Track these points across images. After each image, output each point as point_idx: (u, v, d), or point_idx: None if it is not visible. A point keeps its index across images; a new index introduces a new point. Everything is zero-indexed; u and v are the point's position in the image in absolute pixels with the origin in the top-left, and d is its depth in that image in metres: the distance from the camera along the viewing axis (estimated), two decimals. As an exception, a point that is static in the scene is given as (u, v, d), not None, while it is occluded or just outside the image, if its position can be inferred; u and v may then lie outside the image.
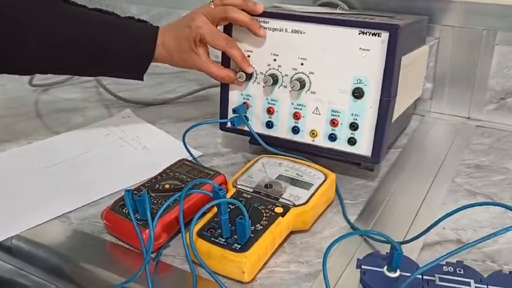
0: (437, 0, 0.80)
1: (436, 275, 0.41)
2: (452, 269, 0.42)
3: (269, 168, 0.59)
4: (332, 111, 0.61)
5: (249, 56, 0.65)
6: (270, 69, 0.64)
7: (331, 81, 0.60)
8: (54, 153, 0.71)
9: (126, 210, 0.51)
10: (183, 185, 0.55)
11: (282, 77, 0.63)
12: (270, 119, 0.65)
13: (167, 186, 0.55)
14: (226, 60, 0.66)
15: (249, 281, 0.46)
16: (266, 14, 0.63)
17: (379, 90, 0.57)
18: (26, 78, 0.99)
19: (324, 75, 0.61)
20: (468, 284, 0.41)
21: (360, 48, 0.58)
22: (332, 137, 0.61)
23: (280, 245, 0.51)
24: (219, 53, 0.66)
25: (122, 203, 0.52)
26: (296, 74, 0.62)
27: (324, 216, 0.56)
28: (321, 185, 0.55)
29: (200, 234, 0.48)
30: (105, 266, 0.49)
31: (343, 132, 0.61)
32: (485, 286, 0.41)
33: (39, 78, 1.00)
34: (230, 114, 0.68)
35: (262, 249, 0.47)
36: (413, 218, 0.56)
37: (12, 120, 0.84)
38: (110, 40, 0.67)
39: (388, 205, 0.59)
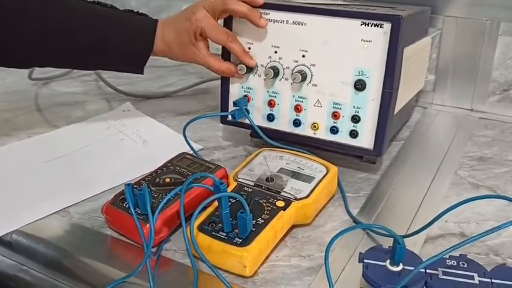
0: (440, -10, 0.80)
1: (439, 268, 0.41)
2: (455, 262, 0.42)
3: (270, 161, 0.58)
4: (334, 103, 0.60)
5: (249, 49, 0.64)
6: (270, 61, 0.63)
7: (333, 73, 0.59)
8: (54, 147, 0.71)
9: (126, 204, 0.50)
10: (184, 179, 0.55)
11: (283, 69, 0.62)
12: (271, 112, 0.65)
13: (168, 180, 0.55)
14: (226, 54, 0.66)
15: (251, 276, 0.46)
16: (267, 6, 0.62)
17: (381, 82, 0.57)
18: (26, 72, 0.98)
19: (325, 67, 0.60)
20: (472, 277, 0.40)
21: (362, 40, 0.57)
22: (334, 130, 0.61)
23: (282, 239, 0.50)
24: (220, 46, 0.66)
25: (122, 197, 0.52)
26: (297, 66, 0.61)
27: (326, 209, 0.56)
28: (322, 178, 0.55)
29: (201, 228, 0.48)
30: (105, 260, 0.49)
31: (344, 124, 0.60)
32: (489, 279, 0.40)
33: (39, 72, 1.00)
34: (231, 107, 0.67)
35: (264, 243, 0.47)
36: (415, 211, 0.56)
37: (12, 114, 0.84)
38: (109, 33, 0.66)
39: (390, 198, 0.59)
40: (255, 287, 0.45)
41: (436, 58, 0.83)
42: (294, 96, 0.63)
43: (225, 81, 0.67)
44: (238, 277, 0.46)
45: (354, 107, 0.59)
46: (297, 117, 0.63)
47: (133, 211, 0.49)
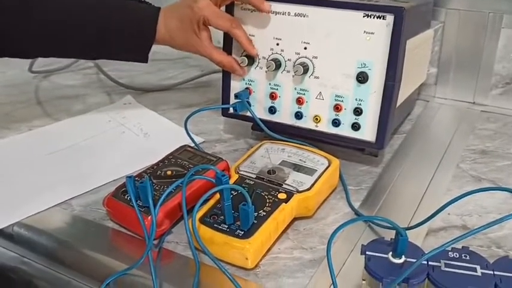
0: (443, -18, 0.79)
1: (441, 260, 0.41)
2: (457, 254, 0.42)
3: (272, 154, 0.58)
4: (336, 96, 0.60)
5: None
6: (272, 53, 0.63)
7: (335, 65, 0.59)
8: (55, 140, 0.70)
9: (128, 197, 0.50)
10: (185, 171, 0.55)
11: (285, 61, 0.62)
12: (272, 104, 0.64)
13: (169, 172, 0.55)
14: (228, 47, 0.65)
15: (252, 268, 0.46)
16: (268, -3, 0.61)
17: (383, 74, 0.57)
18: (26, 65, 0.98)
19: (327, 59, 0.60)
20: (474, 269, 0.40)
21: (365, 32, 0.56)
22: (336, 123, 0.61)
23: (284, 231, 0.50)
24: (221, 40, 0.65)
25: (124, 189, 0.52)
26: (299, 58, 0.61)
27: (328, 202, 0.56)
28: (324, 171, 0.55)
29: (203, 220, 0.48)
30: (107, 253, 0.49)
31: (347, 117, 0.60)
32: (491, 272, 0.40)
33: (39, 65, 0.99)
34: (232, 100, 0.67)
35: (266, 236, 0.47)
36: (417, 204, 0.56)
37: (13, 107, 0.83)
38: (112, 22, 0.66)
39: (392, 191, 0.58)
40: (257, 279, 0.45)
41: (439, 51, 0.83)
42: (295, 88, 0.62)
43: (227, 74, 0.67)
44: (240, 269, 0.46)
45: (356, 100, 0.59)
46: (299, 110, 0.63)
47: (135, 203, 0.49)
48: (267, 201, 0.50)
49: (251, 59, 0.64)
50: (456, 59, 0.82)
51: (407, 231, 0.42)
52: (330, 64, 0.59)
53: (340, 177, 0.59)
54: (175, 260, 0.48)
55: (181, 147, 0.60)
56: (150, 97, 0.87)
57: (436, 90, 0.85)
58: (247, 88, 0.66)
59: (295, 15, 0.60)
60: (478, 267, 0.40)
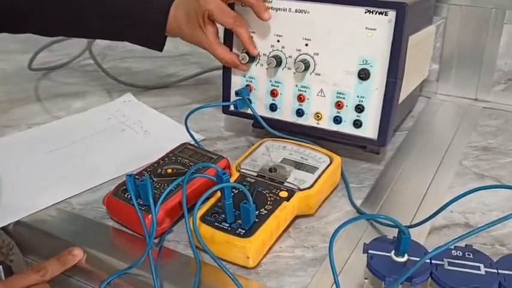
0: (445, -22, 0.78)
1: (444, 259, 0.40)
2: (461, 253, 0.41)
3: (273, 151, 0.58)
4: (337, 93, 0.60)
5: (251, 38, 0.63)
6: (273, 50, 0.62)
7: (336, 62, 0.59)
8: (55, 138, 0.70)
9: (128, 195, 0.50)
10: (186, 170, 0.54)
11: (286, 58, 0.62)
12: (273, 102, 0.64)
13: (169, 170, 0.54)
14: (228, 42, 0.65)
15: (254, 266, 0.45)
16: (269, -7, 0.61)
17: (385, 71, 0.56)
18: (26, 62, 0.98)
19: (328, 56, 0.59)
20: (478, 268, 0.40)
21: (366, 28, 0.56)
22: (337, 120, 0.60)
23: (285, 229, 0.50)
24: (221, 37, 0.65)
25: (124, 188, 0.51)
26: (300, 55, 0.60)
27: (329, 200, 0.56)
28: (326, 169, 0.54)
29: (204, 219, 0.47)
30: (107, 251, 0.48)
31: (348, 114, 0.60)
32: (495, 270, 0.40)
33: (38, 62, 0.99)
34: (233, 97, 0.66)
35: (267, 234, 0.46)
36: (420, 202, 0.55)
37: (12, 105, 0.83)
38: (128, 7, 0.68)
39: (394, 189, 0.58)
40: (259, 278, 0.44)
41: (441, 47, 0.82)
42: (296, 85, 0.62)
43: (227, 71, 0.66)
44: (241, 268, 0.45)
45: (357, 97, 0.58)
46: (300, 107, 0.62)
47: (135, 202, 0.48)
48: (268, 199, 0.49)
49: (252, 56, 0.63)
50: (458, 55, 0.81)
51: (409, 229, 0.41)
52: (331, 61, 0.59)
53: (342, 174, 0.59)
54: (176, 259, 0.47)
55: (181, 145, 0.60)
56: (150, 94, 0.87)
57: (438, 87, 0.85)
58: (247, 85, 0.65)
59: (296, 11, 0.59)
60: (481, 265, 0.40)
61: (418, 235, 0.48)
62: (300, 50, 0.60)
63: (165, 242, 0.49)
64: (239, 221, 0.46)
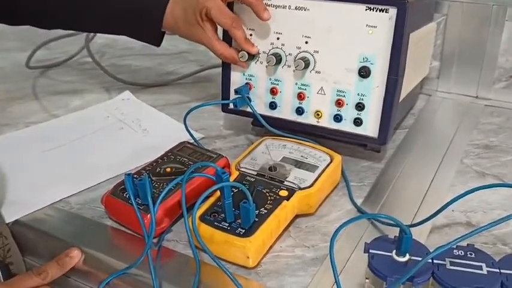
0: (446, -25, 0.78)
1: (446, 259, 0.40)
2: (463, 252, 0.41)
3: (273, 150, 0.57)
4: (337, 91, 0.59)
5: (251, 35, 0.63)
6: (273, 48, 0.62)
7: (337, 60, 0.58)
8: (53, 136, 0.70)
9: (126, 194, 0.50)
10: (185, 168, 0.54)
11: (286, 56, 0.61)
12: (273, 100, 0.64)
13: (168, 169, 0.54)
14: (227, 38, 0.64)
15: (254, 266, 0.45)
16: (268, -10, 0.60)
17: (386, 68, 0.56)
18: (23, 60, 0.97)
19: (329, 53, 0.59)
20: (480, 267, 0.39)
21: (367, 25, 0.55)
22: (337, 118, 0.60)
23: (285, 229, 0.50)
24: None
25: (122, 187, 0.51)
26: (300, 52, 0.60)
27: (330, 199, 0.55)
28: (326, 167, 0.54)
29: (203, 218, 0.47)
30: (106, 251, 0.48)
31: (348, 112, 0.59)
32: (498, 270, 0.39)
33: (36, 60, 0.98)
34: (232, 95, 0.66)
35: (267, 234, 0.46)
36: (421, 201, 0.55)
37: (10, 103, 0.82)
38: (125, 1, 0.69)
39: (395, 187, 0.58)
40: (259, 278, 0.44)
41: (441, 44, 0.82)
42: (296, 83, 0.61)
43: (226, 69, 0.66)
44: (241, 268, 0.45)
45: (358, 95, 0.58)
46: (300, 105, 0.62)
47: (133, 201, 0.48)
48: (268, 198, 0.49)
49: (252, 54, 0.62)
50: (459, 52, 0.81)
51: (411, 229, 0.41)
52: (331, 58, 0.58)
53: (342, 173, 0.58)
54: (175, 258, 0.47)
55: (180, 143, 0.59)
56: (148, 92, 0.86)
57: (438, 84, 0.84)
58: (247, 83, 0.65)
59: (296, 8, 0.59)
60: (483, 265, 0.40)
61: (419, 234, 0.47)
62: (299, 48, 0.60)
63: (164, 242, 0.49)
64: (239, 221, 0.46)
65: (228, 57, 0.63)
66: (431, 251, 0.39)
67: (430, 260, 0.40)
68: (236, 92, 0.64)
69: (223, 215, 0.46)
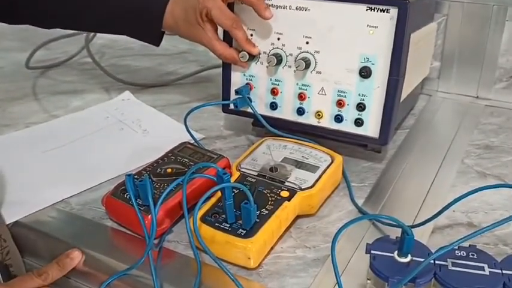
0: (446, -25, 0.78)
1: (448, 259, 0.40)
2: (464, 253, 0.41)
3: (274, 151, 0.57)
4: (338, 91, 0.59)
5: (251, 35, 0.63)
6: (273, 48, 0.61)
7: (338, 60, 0.58)
8: (53, 137, 0.69)
9: (127, 195, 0.49)
10: (186, 169, 0.54)
11: (286, 56, 0.61)
12: (274, 100, 0.63)
13: (169, 170, 0.54)
14: (228, 39, 0.64)
15: (255, 267, 0.45)
16: (269, -9, 0.60)
17: (387, 69, 0.55)
18: (23, 60, 0.97)
19: (330, 54, 0.58)
20: (482, 268, 0.39)
21: (368, 25, 0.55)
22: (338, 118, 0.60)
23: (286, 229, 0.49)
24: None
25: (123, 188, 0.51)
26: (301, 53, 0.60)
27: (331, 199, 0.55)
28: (327, 168, 0.54)
29: (204, 219, 0.47)
30: (106, 252, 0.48)
31: (349, 113, 0.59)
32: (500, 270, 0.39)
33: (36, 61, 0.98)
34: (233, 96, 0.66)
35: (268, 235, 0.46)
36: (422, 201, 0.55)
37: (10, 104, 0.82)
38: (125, 3, 0.68)
39: (396, 188, 0.58)
40: (260, 279, 0.44)
41: (442, 44, 0.82)
42: (297, 84, 0.61)
43: (227, 69, 0.66)
44: (242, 269, 0.45)
45: (359, 95, 0.58)
46: (301, 106, 0.62)
47: (134, 202, 0.48)
48: (269, 199, 0.49)
49: (252, 54, 0.62)
50: (459, 52, 0.81)
51: (412, 229, 0.41)
52: (332, 59, 0.58)
53: (343, 173, 0.58)
54: (176, 259, 0.47)
55: (181, 144, 0.59)
56: (148, 93, 0.86)
57: (439, 85, 0.84)
58: (247, 83, 0.65)
59: (297, 9, 0.59)
60: (485, 266, 0.40)
61: (421, 235, 0.47)
62: (300, 48, 0.60)
63: (165, 243, 0.49)
64: (240, 221, 0.46)
65: (229, 58, 0.63)
66: (433, 251, 0.39)
67: (432, 261, 0.40)
68: (237, 92, 0.64)
69: (224, 215, 0.46)
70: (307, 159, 0.55)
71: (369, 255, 0.41)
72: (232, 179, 0.52)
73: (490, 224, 0.39)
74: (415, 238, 0.41)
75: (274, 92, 0.63)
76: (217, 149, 0.66)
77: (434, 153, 0.65)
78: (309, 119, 0.62)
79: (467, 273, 0.39)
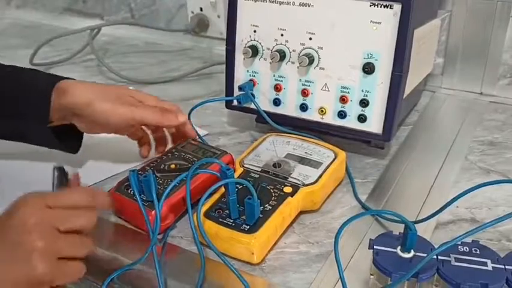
0: (450, -29, 0.77)
1: (451, 255, 0.40)
2: (467, 248, 0.41)
3: (277, 146, 0.57)
4: (341, 87, 0.59)
5: (255, 32, 0.63)
6: (277, 44, 0.61)
7: (341, 56, 0.58)
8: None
9: (131, 191, 0.50)
10: (189, 165, 0.54)
11: (290, 52, 0.61)
12: (277, 96, 0.63)
13: (173, 166, 0.54)
14: (231, 36, 0.64)
15: (258, 263, 0.45)
16: (272, -13, 0.60)
17: (390, 65, 0.55)
18: (27, 57, 0.97)
19: (333, 50, 0.58)
20: (485, 264, 0.39)
21: (371, 21, 0.55)
22: (341, 114, 0.60)
23: (290, 225, 0.50)
24: (223, 32, 0.64)
25: (127, 183, 0.51)
26: (304, 49, 0.60)
27: (334, 195, 0.55)
28: (330, 164, 0.54)
29: (208, 215, 0.47)
30: (110, 248, 0.48)
31: (353, 109, 0.59)
32: (503, 266, 0.39)
33: (40, 57, 0.98)
34: (236, 92, 0.66)
35: (272, 230, 0.46)
36: (425, 197, 0.55)
37: (14, 101, 0.82)
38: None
39: (399, 184, 0.58)
40: (263, 274, 0.44)
41: (445, 41, 0.81)
42: (300, 80, 0.61)
43: (230, 65, 0.66)
44: (246, 264, 0.45)
45: (362, 91, 0.58)
46: (304, 102, 0.62)
47: (138, 198, 0.48)
48: (273, 195, 0.49)
49: (255, 50, 0.62)
50: (463, 48, 0.81)
51: (415, 225, 0.41)
52: (335, 55, 0.58)
53: (347, 169, 0.58)
54: (180, 255, 0.47)
55: (184, 140, 0.59)
56: (152, 89, 0.86)
57: (442, 81, 0.84)
58: (251, 80, 0.65)
59: (300, 5, 0.59)
60: (488, 261, 0.40)
61: (424, 230, 0.47)
62: (303, 44, 0.60)
63: (169, 238, 0.49)
64: (243, 217, 0.46)
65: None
66: (436, 247, 0.39)
67: (435, 256, 0.40)
68: (240, 88, 0.64)
69: (227, 211, 0.47)
70: (310, 155, 0.55)
71: (372, 250, 0.41)
72: (236, 175, 0.52)
73: (493, 219, 0.39)
74: (418, 234, 0.41)
75: (277, 88, 0.63)
76: (220, 145, 0.66)
77: (437, 150, 0.65)
78: (312, 115, 0.62)
79: (470, 268, 0.39)
